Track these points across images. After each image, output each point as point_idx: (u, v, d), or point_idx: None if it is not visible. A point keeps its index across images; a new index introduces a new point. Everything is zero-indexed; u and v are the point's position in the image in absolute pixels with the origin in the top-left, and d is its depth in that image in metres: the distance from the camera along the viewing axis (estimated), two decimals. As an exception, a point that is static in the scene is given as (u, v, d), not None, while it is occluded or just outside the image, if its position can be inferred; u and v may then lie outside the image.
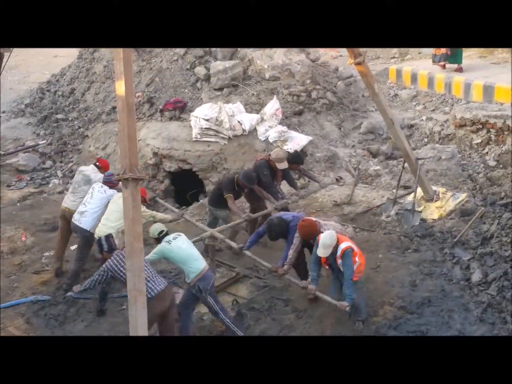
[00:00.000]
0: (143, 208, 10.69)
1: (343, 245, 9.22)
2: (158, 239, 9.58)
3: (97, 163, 12.04)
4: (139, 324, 7.45)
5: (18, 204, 14.98)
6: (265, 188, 11.88)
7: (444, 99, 17.80)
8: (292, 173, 12.73)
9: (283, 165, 11.95)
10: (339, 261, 9.25)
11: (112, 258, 9.05)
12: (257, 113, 15.79)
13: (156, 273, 9.21)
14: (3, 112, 20.42)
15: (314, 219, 9.88)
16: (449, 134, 16.26)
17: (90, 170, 11.83)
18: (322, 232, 9.42)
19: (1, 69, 10.02)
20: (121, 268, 8.81)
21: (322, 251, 9.23)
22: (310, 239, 9.75)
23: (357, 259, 9.28)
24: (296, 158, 12.43)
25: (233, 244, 10.72)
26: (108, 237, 9.54)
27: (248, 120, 15.44)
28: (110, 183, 11.34)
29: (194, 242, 10.14)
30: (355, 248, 9.39)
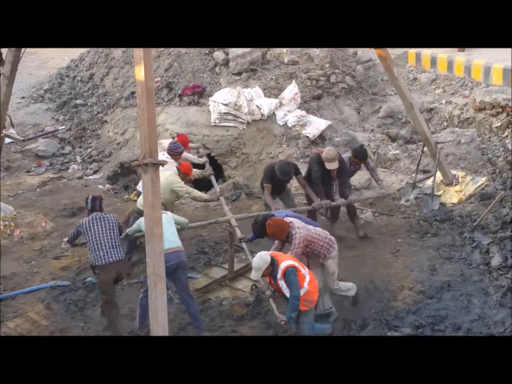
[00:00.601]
0: (182, 183, 10.93)
1: (283, 265, 8.36)
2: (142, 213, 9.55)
3: (175, 138, 12.16)
4: (158, 309, 7.51)
5: (38, 190, 15.06)
6: (311, 183, 11.40)
7: (464, 83, 17.66)
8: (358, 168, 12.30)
9: (332, 165, 11.16)
10: (281, 284, 8.39)
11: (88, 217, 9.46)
12: (276, 97, 15.75)
13: (118, 245, 9.36)
14: (23, 97, 20.53)
15: (290, 219, 9.26)
16: (469, 118, 16.14)
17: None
18: (293, 234, 9.00)
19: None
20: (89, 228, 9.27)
21: (252, 274, 8.61)
22: (278, 239, 9.33)
23: (305, 284, 8.38)
24: (357, 153, 11.86)
25: (238, 233, 10.60)
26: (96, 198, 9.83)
27: (266, 104, 15.41)
28: (172, 151, 11.67)
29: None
30: (303, 271, 8.54)
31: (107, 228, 9.35)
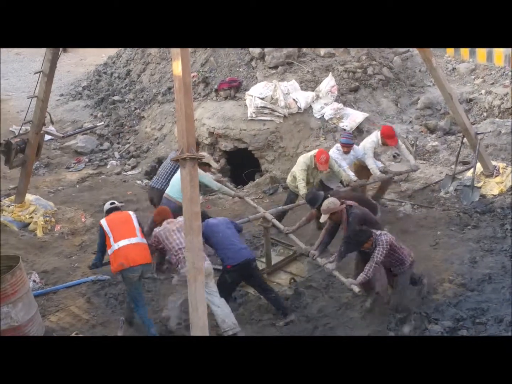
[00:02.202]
0: (211, 177, 11.20)
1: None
2: None
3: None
4: (198, 302, 7.53)
5: (77, 186, 15.24)
6: None
7: (504, 72, 17.38)
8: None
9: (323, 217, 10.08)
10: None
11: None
12: (312, 90, 15.71)
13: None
14: (61, 95, 20.75)
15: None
16: (509, 108, 15.90)
17: None
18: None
19: None
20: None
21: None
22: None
23: None
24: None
25: (280, 226, 10.67)
26: None
27: (303, 97, 15.38)
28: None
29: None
30: None
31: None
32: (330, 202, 9.62)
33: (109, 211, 9.75)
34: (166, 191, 11.12)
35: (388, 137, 11.83)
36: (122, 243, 9.08)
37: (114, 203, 9.99)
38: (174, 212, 9.88)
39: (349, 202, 9.73)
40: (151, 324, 9.21)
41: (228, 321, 8.94)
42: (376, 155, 12.10)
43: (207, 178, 11.07)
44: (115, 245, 9.07)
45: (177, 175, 10.82)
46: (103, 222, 9.44)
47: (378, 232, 8.85)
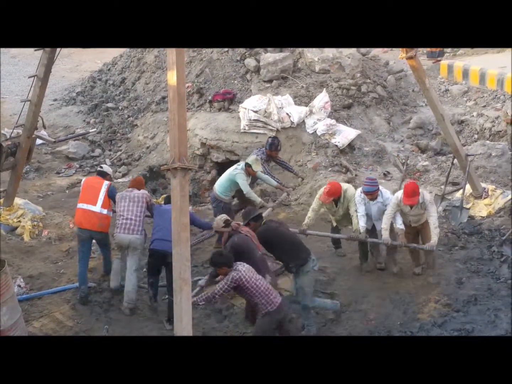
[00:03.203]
0: (245, 180, 11.71)
1: None
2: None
3: None
4: (183, 313, 7.51)
5: (67, 191, 15.19)
6: None
7: (496, 95, 17.48)
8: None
9: None
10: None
11: None
12: (306, 105, 15.75)
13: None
14: (55, 100, 20.74)
15: None
16: (500, 131, 15.98)
17: None
18: None
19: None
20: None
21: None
22: None
23: None
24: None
25: None
26: None
27: (296, 112, 15.41)
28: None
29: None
30: None
31: None
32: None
33: (97, 173, 11.36)
34: (217, 192, 11.94)
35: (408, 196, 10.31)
36: (81, 206, 10.52)
37: (102, 167, 11.64)
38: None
39: (242, 229, 9.55)
40: (83, 282, 10.44)
41: (131, 295, 10.04)
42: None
43: (241, 180, 11.65)
44: (78, 205, 10.60)
45: (225, 174, 12.04)
46: (83, 180, 11.25)
47: (236, 267, 8.52)
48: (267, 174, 12.35)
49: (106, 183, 10.69)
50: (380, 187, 10.75)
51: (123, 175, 16.16)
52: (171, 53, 7.38)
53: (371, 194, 10.48)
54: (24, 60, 23.99)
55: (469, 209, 12.30)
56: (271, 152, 12.67)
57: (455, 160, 12.58)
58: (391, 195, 10.62)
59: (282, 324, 8.82)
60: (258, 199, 11.92)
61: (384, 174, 14.24)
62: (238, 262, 8.60)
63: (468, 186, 12.46)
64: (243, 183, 11.62)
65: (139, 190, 10.58)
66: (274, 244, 9.69)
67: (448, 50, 21.74)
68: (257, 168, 11.83)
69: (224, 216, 9.92)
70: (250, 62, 17.22)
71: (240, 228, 9.56)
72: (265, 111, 15.11)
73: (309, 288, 9.63)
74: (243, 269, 8.46)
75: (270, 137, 13.47)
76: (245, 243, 9.32)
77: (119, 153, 17.38)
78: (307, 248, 9.80)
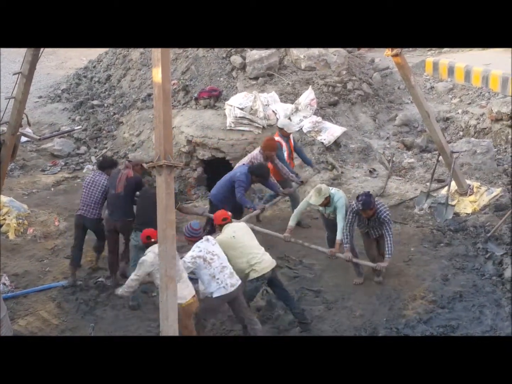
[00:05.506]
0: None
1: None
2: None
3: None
4: (169, 310, 7.52)
5: (52, 189, 15.15)
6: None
7: (481, 93, 17.55)
8: None
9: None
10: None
11: None
12: (292, 103, 15.74)
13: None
14: (40, 97, 20.65)
15: None
16: (485, 128, 16.07)
17: None
18: None
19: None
20: None
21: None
22: None
23: None
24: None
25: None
26: None
27: (282, 109, 15.40)
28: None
29: None
30: None
31: None
32: None
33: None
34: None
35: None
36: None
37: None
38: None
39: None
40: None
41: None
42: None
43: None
44: None
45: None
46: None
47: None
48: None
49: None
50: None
51: (109, 173, 16.09)
52: (156, 51, 7.35)
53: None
54: (9, 57, 23.82)
55: (454, 206, 12.34)
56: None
57: (440, 157, 12.61)
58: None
59: None
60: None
61: (370, 171, 14.26)
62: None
63: (453, 183, 12.50)
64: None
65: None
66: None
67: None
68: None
69: None
70: (236, 59, 17.19)
71: None
72: (251, 108, 15.08)
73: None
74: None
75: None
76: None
77: (104, 150, 17.31)
78: None
